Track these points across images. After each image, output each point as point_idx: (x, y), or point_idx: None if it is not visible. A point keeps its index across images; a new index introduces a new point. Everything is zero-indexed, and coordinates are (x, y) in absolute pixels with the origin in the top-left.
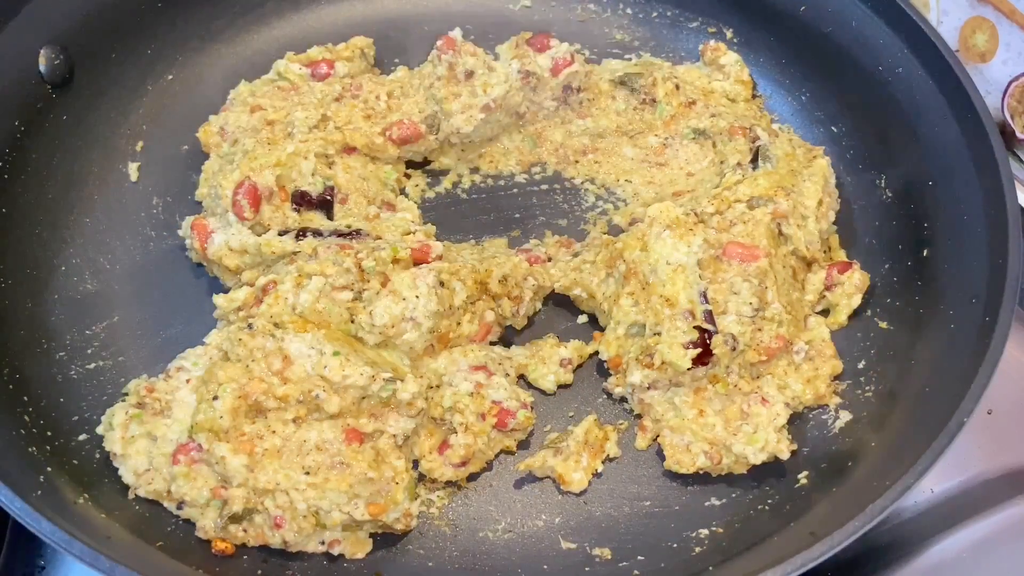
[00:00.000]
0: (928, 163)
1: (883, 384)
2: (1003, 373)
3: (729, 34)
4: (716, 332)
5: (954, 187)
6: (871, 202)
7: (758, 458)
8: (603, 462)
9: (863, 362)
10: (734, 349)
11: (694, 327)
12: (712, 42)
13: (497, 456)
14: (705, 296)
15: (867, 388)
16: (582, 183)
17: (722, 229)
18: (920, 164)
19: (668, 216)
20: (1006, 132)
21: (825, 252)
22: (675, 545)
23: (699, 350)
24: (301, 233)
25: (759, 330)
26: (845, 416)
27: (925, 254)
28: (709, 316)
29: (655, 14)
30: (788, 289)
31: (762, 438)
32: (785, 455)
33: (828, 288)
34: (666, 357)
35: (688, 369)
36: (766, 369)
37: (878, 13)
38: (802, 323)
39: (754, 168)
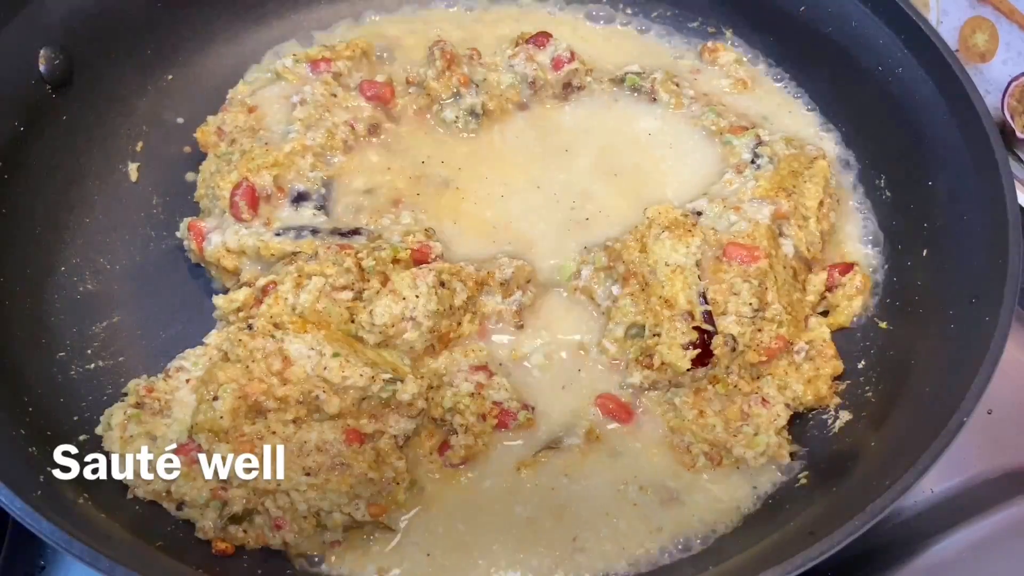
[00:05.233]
0: (928, 163)
1: (883, 384)
2: (1003, 373)
3: (729, 34)
4: (716, 333)
5: (954, 187)
6: (871, 202)
7: (758, 462)
8: None
9: (863, 362)
10: (734, 350)
11: (693, 328)
12: (712, 42)
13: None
14: (705, 297)
15: (867, 388)
16: None
17: (722, 229)
18: (920, 164)
19: (667, 217)
20: (1006, 132)
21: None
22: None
23: (699, 351)
24: (300, 231)
25: (759, 331)
26: (845, 416)
27: (925, 254)
28: (709, 317)
29: (655, 14)
30: (789, 290)
31: (763, 441)
32: (785, 458)
33: (829, 289)
34: (666, 358)
35: (688, 370)
36: (766, 369)
37: (878, 13)
38: (803, 323)
39: (754, 168)
